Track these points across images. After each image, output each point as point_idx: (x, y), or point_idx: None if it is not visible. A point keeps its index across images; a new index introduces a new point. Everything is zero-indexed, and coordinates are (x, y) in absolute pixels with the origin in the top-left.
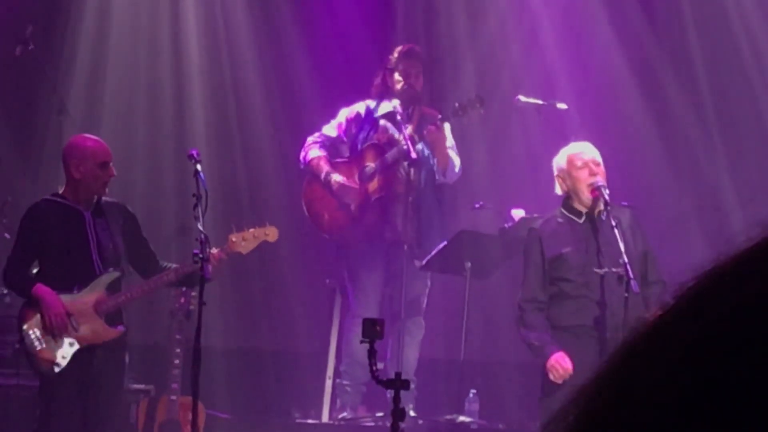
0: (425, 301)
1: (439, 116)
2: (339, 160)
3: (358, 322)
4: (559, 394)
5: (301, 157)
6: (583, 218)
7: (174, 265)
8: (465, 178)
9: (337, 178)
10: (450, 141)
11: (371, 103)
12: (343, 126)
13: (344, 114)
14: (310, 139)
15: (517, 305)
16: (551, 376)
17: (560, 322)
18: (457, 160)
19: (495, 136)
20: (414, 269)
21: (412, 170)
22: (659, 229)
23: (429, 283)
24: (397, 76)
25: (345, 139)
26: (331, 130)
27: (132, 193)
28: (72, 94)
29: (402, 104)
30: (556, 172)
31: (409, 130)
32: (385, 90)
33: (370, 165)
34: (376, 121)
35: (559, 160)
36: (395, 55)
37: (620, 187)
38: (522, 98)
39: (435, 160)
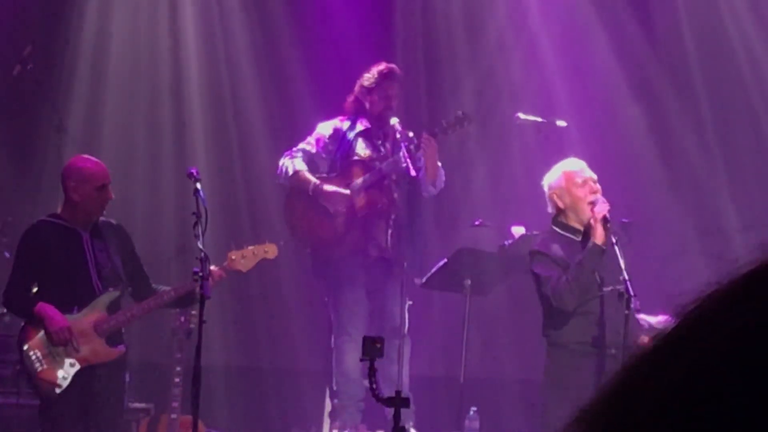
0: (407, 317)
1: (435, 130)
2: (324, 176)
3: (347, 339)
4: (560, 413)
5: (282, 170)
6: (581, 236)
7: (166, 288)
8: (465, 195)
9: (329, 186)
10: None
11: (346, 123)
12: (322, 142)
13: (321, 129)
14: (287, 154)
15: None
16: (600, 215)
17: (560, 339)
18: (442, 174)
19: (495, 153)
20: (396, 287)
21: (397, 188)
22: (658, 246)
23: (408, 300)
24: (377, 96)
25: (324, 155)
26: (308, 145)
27: (132, 211)
28: (71, 113)
29: (377, 123)
30: (550, 190)
31: (410, 146)
32: (360, 108)
33: (357, 181)
34: (351, 141)
35: (555, 178)
36: (373, 74)
37: (619, 205)
38: (521, 116)
39: (423, 173)
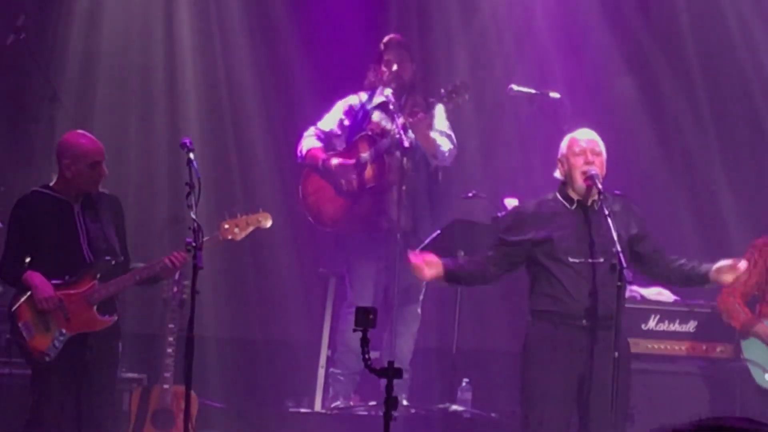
0: (422, 290)
1: (431, 99)
2: (332, 152)
3: (353, 311)
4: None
5: (298, 151)
6: (575, 205)
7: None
8: (458, 166)
9: (334, 160)
10: (442, 124)
11: (364, 96)
12: (338, 119)
13: (339, 107)
14: (305, 134)
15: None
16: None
17: (541, 307)
18: (444, 142)
19: (488, 125)
20: (398, 257)
21: (404, 159)
22: (651, 219)
23: None
24: (383, 66)
25: (339, 132)
26: (325, 123)
27: (125, 182)
28: (64, 84)
29: (393, 93)
30: (558, 156)
31: (401, 119)
32: (377, 81)
33: (364, 155)
34: (369, 112)
35: (562, 144)
36: (381, 46)
37: (612, 178)
38: (515, 87)
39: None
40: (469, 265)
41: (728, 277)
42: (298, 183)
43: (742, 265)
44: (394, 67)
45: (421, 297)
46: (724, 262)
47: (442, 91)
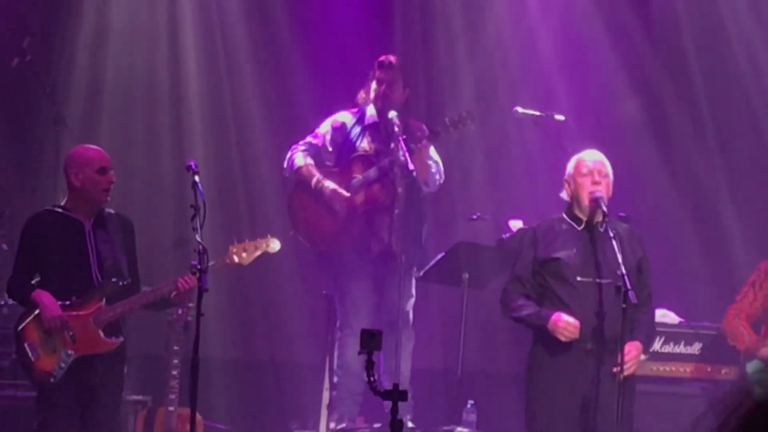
0: (412, 312)
1: (427, 132)
2: (326, 170)
3: (349, 332)
4: (537, 403)
5: (287, 164)
6: (582, 226)
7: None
8: (463, 188)
9: (329, 184)
10: (435, 156)
11: (350, 117)
12: (329, 135)
13: (329, 123)
14: (295, 148)
15: (502, 291)
16: (561, 337)
17: (542, 330)
18: (436, 170)
19: (493, 147)
20: (397, 281)
21: (403, 182)
22: (656, 241)
23: (414, 294)
24: (373, 85)
25: (330, 148)
26: (315, 138)
27: (130, 204)
28: (70, 105)
29: (379, 114)
30: (565, 176)
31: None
32: (367, 99)
33: (358, 177)
34: (360, 132)
35: (569, 164)
36: (376, 65)
37: (617, 198)
38: (520, 110)
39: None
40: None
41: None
42: (286, 194)
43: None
44: (383, 88)
45: (411, 318)
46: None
47: (447, 120)
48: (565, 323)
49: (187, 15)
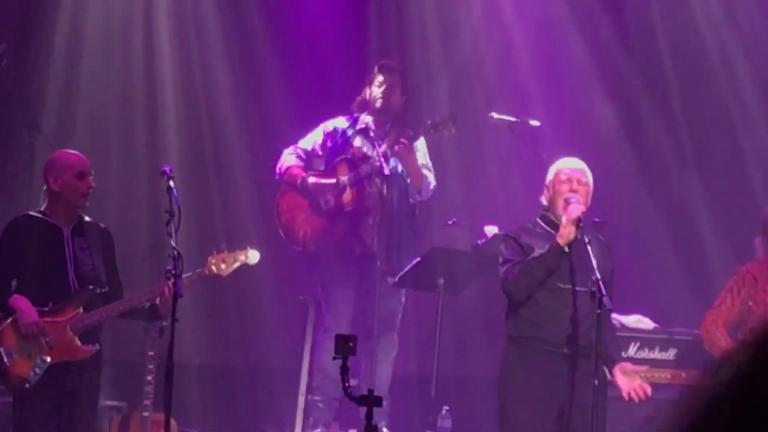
0: (399, 317)
1: (411, 133)
2: (312, 172)
3: (330, 336)
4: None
5: (277, 168)
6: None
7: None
8: (438, 194)
9: (312, 179)
10: (424, 158)
11: (345, 121)
12: (320, 140)
13: (321, 128)
14: (286, 151)
15: (501, 280)
16: (573, 214)
17: (513, 333)
18: (431, 178)
19: (468, 152)
20: (387, 285)
21: (384, 186)
22: (631, 246)
23: (403, 299)
24: (370, 89)
25: (320, 153)
26: (306, 143)
27: (105, 209)
28: (44, 111)
29: (377, 119)
30: (545, 183)
31: (383, 147)
32: (364, 105)
33: (343, 178)
34: (350, 137)
35: (550, 170)
36: (375, 68)
37: (592, 204)
38: (495, 115)
39: (409, 179)
40: None
41: (622, 382)
42: (274, 199)
43: (625, 395)
44: (383, 92)
45: (398, 323)
46: (628, 367)
47: (429, 122)
48: (575, 206)
49: (162, 20)
